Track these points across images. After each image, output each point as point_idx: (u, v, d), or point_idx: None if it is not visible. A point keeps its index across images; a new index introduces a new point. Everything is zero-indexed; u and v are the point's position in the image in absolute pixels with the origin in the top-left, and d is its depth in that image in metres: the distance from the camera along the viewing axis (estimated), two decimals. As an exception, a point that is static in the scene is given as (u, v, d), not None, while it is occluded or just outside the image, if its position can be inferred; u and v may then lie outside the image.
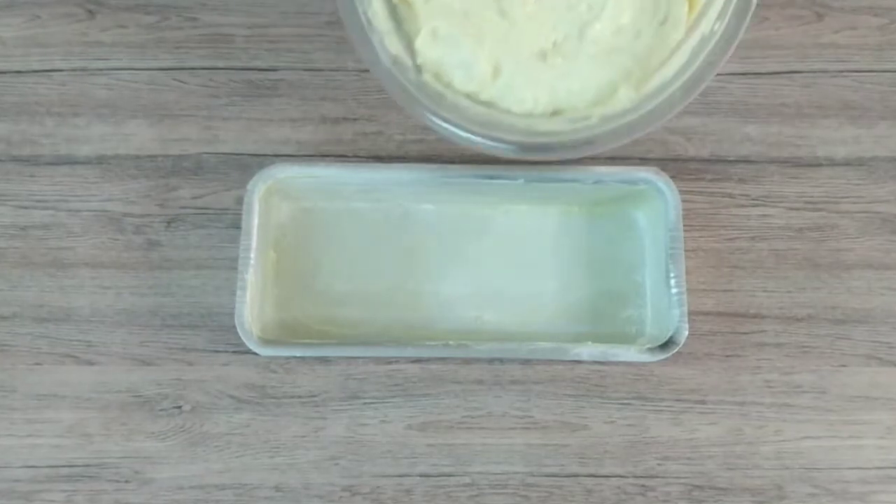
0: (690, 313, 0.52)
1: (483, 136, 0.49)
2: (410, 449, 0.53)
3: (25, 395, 0.53)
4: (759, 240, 0.55)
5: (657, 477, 0.52)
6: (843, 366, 0.54)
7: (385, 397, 0.53)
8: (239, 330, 0.51)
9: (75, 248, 0.55)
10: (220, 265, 0.55)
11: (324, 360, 0.54)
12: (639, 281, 0.54)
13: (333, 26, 0.58)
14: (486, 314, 0.54)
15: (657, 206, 0.53)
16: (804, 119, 0.57)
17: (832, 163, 0.57)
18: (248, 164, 0.56)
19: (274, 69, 0.58)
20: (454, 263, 0.55)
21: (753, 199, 0.56)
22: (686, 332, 0.51)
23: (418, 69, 0.50)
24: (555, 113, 0.51)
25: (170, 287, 0.54)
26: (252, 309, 0.52)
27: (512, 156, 0.50)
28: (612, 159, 0.54)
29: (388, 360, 0.54)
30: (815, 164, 0.57)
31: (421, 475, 0.52)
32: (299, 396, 0.53)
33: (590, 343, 0.52)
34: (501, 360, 0.54)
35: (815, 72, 0.58)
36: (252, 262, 0.52)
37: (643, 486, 0.52)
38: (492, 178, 0.53)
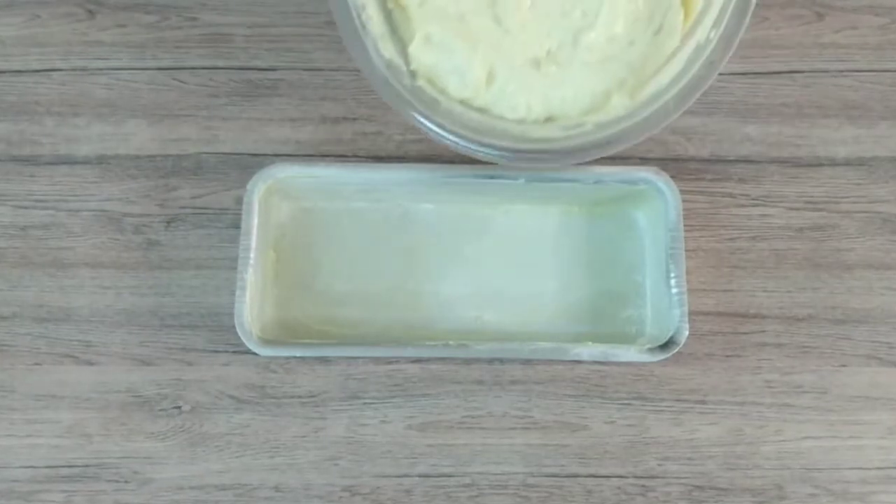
0: (691, 313, 0.52)
1: (477, 143, 0.50)
2: (410, 449, 0.53)
3: (25, 395, 0.53)
4: (760, 240, 0.55)
5: (657, 477, 0.52)
6: (844, 366, 0.54)
7: (385, 397, 0.53)
8: (239, 330, 0.51)
9: (75, 248, 0.55)
10: (220, 265, 0.55)
11: (324, 360, 0.54)
12: (639, 281, 0.54)
13: (333, 26, 0.57)
14: (486, 314, 0.54)
15: (657, 206, 0.53)
16: (804, 119, 0.57)
17: (832, 163, 0.57)
18: (247, 164, 0.56)
19: (274, 69, 0.58)
20: (454, 263, 0.55)
21: (754, 199, 0.56)
22: (686, 333, 0.51)
23: (412, 74, 0.50)
24: (548, 120, 0.51)
25: (169, 287, 0.54)
26: (252, 309, 0.52)
27: (504, 163, 0.50)
28: (612, 159, 0.54)
29: (388, 360, 0.54)
30: (816, 163, 0.57)
31: (421, 475, 0.52)
32: (299, 396, 0.53)
33: (590, 343, 0.52)
34: (501, 361, 0.53)
35: (815, 72, 0.58)
36: (252, 261, 0.52)
37: (643, 486, 0.52)
38: (492, 178, 0.53)
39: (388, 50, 0.50)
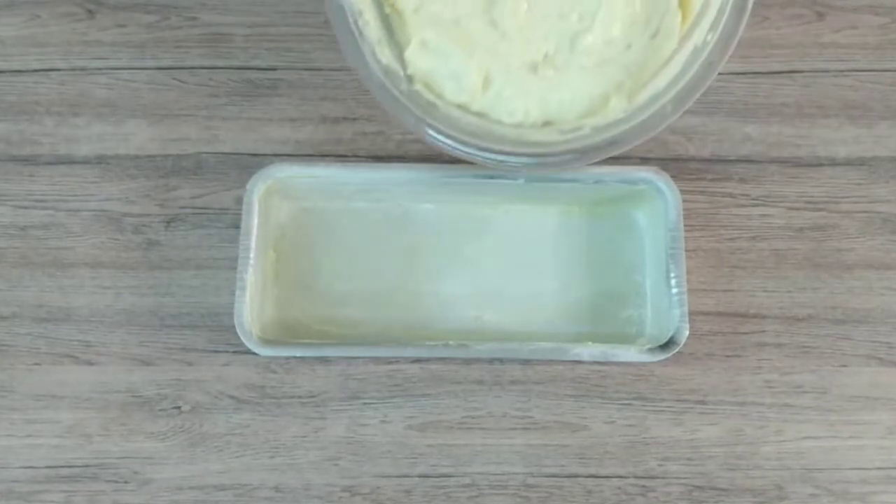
0: (691, 313, 0.52)
1: (475, 148, 0.50)
2: (410, 449, 0.53)
3: (24, 395, 0.53)
4: (760, 240, 0.55)
5: (658, 477, 0.52)
6: (844, 366, 0.54)
7: (385, 397, 0.53)
8: (238, 330, 0.51)
9: (75, 248, 0.55)
10: (220, 265, 0.54)
11: (324, 360, 0.53)
12: (639, 281, 0.54)
13: (333, 26, 0.58)
14: (486, 314, 0.54)
15: (657, 205, 0.53)
16: (805, 119, 0.57)
17: (833, 162, 0.57)
18: (247, 164, 0.56)
19: (273, 69, 0.58)
20: (454, 263, 0.55)
21: (754, 199, 0.56)
22: (686, 333, 0.51)
23: (410, 79, 0.50)
24: (546, 124, 0.51)
25: (169, 287, 0.54)
26: (252, 309, 0.52)
27: (506, 170, 0.51)
28: (613, 159, 0.54)
29: (388, 360, 0.54)
30: (816, 163, 0.57)
31: (421, 475, 0.52)
32: (299, 396, 0.53)
33: (590, 343, 0.52)
34: (501, 361, 0.53)
35: (815, 71, 0.58)
36: (252, 262, 0.52)
37: (644, 486, 0.52)
38: (492, 178, 0.53)
39: (385, 55, 0.50)
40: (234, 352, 0.53)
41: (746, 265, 0.55)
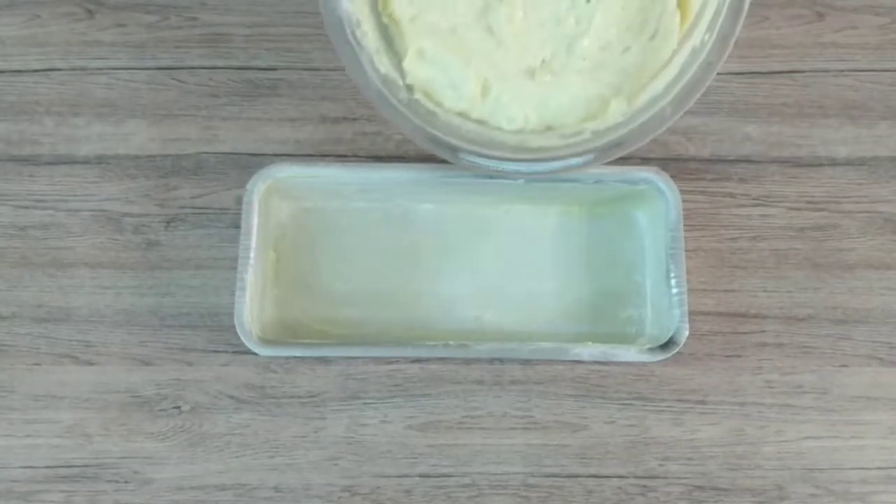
0: (691, 313, 0.52)
1: (477, 155, 0.50)
2: (410, 449, 0.52)
3: (24, 395, 0.53)
4: (760, 240, 0.55)
5: (658, 477, 0.52)
6: (844, 366, 0.54)
7: (385, 397, 0.53)
8: (238, 330, 0.51)
9: (74, 248, 0.55)
10: (220, 265, 0.54)
11: (324, 360, 0.53)
12: (639, 281, 0.54)
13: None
14: (486, 314, 0.54)
15: (657, 205, 0.53)
16: (805, 119, 0.57)
17: (833, 162, 0.57)
18: (247, 164, 0.56)
19: (273, 69, 0.58)
20: (454, 263, 0.55)
21: (754, 199, 0.56)
22: (686, 333, 0.51)
23: (409, 89, 0.50)
24: (547, 129, 0.51)
25: (169, 287, 0.54)
26: (252, 309, 0.52)
27: (511, 176, 0.51)
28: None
29: (388, 360, 0.54)
30: (816, 163, 0.56)
31: (421, 475, 0.52)
32: (299, 396, 0.53)
33: (590, 343, 0.52)
34: (501, 360, 0.53)
35: (815, 71, 0.58)
36: (252, 262, 0.52)
37: (644, 486, 0.52)
38: (492, 178, 0.53)
39: (383, 64, 0.50)
40: (234, 352, 0.53)
41: (747, 265, 0.55)
